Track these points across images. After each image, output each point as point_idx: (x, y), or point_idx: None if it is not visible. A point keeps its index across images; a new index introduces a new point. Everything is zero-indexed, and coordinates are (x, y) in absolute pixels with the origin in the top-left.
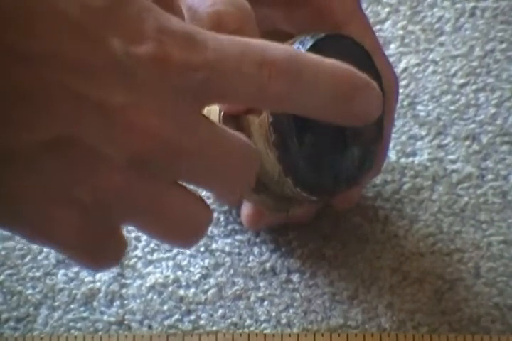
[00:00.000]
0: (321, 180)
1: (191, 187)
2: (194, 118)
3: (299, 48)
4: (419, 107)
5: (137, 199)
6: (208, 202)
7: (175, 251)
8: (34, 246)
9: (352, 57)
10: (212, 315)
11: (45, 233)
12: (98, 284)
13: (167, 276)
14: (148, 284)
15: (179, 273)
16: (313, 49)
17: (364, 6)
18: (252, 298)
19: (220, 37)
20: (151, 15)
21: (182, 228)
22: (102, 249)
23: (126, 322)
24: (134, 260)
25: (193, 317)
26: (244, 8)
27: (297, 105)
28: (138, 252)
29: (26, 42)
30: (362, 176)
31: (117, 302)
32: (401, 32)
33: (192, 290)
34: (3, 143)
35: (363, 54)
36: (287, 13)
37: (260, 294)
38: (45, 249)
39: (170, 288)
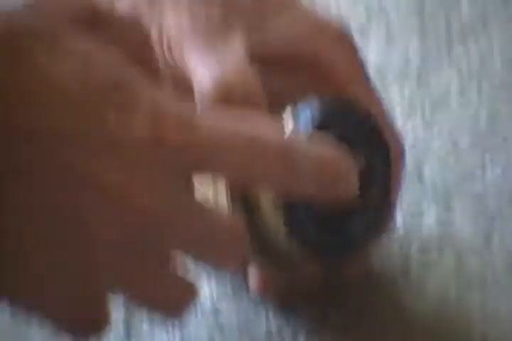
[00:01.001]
0: (327, 244)
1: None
2: (184, 193)
3: (299, 119)
4: (425, 169)
5: (124, 274)
6: None
7: None
8: None
9: (356, 126)
10: None
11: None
12: None
13: (173, 337)
14: None
15: (186, 333)
16: (313, 122)
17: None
18: None
19: (215, 117)
20: (149, 96)
21: (164, 304)
22: (87, 318)
23: None
24: (140, 322)
25: None
26: (251, 79)
27: (283, 187)
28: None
29: (25, 119)
30: (369, 241)
31: None
32: (407, 95)
33: None
34: None
35: (368, 121)
36: (294, 78)
37: None
38: None
39: None
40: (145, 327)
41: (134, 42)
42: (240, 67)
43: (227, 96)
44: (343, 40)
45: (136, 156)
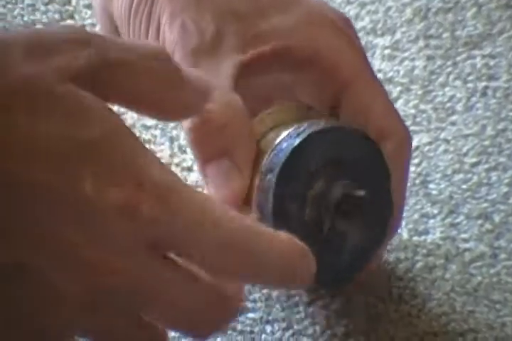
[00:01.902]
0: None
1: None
2: (155, 261)
3: (289, 139)
4: (431, 186)
5: (89, 330)
6: None
7: None
8: None
9: (351, 148)
10: None
11: None
12: None
13: None
14: None
15: None
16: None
17: None
18: None
19: (192, 193)
20: (135, 161)
21: None
22: None
23: None
24: None
25: None
26: (233, 103)
27: (243, 277)
28: None
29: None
30: (364, 263)
31: None
32: (413, 111)
33: None
34: None
35: (364, 143)
36: (296, 76)
37: None
38: None
39: None
40: None
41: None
42: (223, 95)
43: (208, 121)
44: (342, 30)
45: (105, 219)
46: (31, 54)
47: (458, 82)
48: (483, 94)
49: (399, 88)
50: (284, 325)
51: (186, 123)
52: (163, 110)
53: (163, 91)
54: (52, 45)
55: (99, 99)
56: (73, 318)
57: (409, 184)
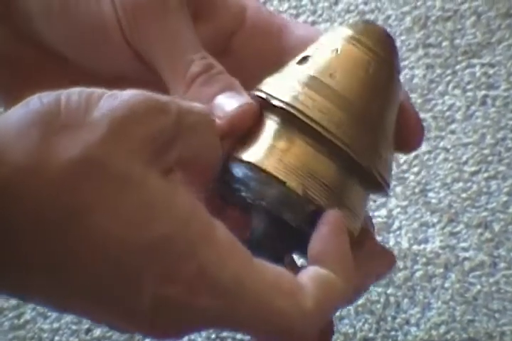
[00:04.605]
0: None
1: None
2: None
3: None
4: (430, 194)
5: None
6: None
7: (185, 338)
8: (44, 335)
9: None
10: None
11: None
12: None
13: None
14: None
15: None
16: None
17: None
18: None
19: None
20: (194, 258)
21: None
22: None
23: None
24: None
25: None
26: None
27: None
28: (148, 340)
29: (66, 279)
30: None
31: None
32: None
33: None
34: None
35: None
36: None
37: None
38: (56, 337)
39: None
40: None
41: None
42: None
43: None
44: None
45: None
46: None
47: (457, 91)
48: (483, 102)
49: None
50: None
51: None
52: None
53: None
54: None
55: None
56: None
57: (408, 192)
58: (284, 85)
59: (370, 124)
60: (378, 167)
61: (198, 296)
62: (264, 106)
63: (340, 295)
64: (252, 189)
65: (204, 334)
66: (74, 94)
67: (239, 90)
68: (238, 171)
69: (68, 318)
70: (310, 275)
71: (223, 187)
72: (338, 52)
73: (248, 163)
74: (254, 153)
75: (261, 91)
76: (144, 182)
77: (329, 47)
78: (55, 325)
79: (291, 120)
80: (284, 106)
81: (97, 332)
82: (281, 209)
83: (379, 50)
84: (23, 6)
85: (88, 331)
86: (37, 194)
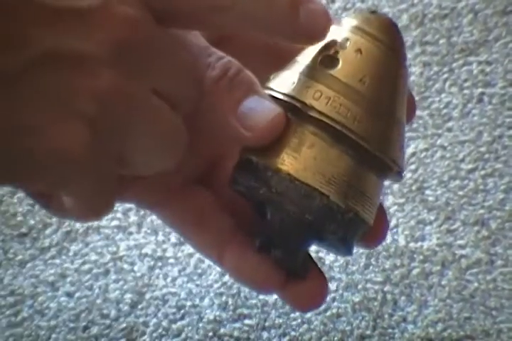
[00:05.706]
0: None
1: None
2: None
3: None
4: (427, 192)
5: (130, 102)
6: (216, 285)
7: (183, 335)
8: (42, 332)
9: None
10: None
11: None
12: None
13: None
14: None
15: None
16: None
17: None
18: None
19: None
20: None
21: (168, 140)
22: (99, 190)
23: None
24: None
25: None
26: None
27: (241, 20)
28: (146, 337)
29: None
30: None
31: None
32: None
33: None
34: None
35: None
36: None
37: None
38: (53, 335)
39: None
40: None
41: None
42: None
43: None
44: None
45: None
46: None
47: (454, 89)
48: (480, 100)
49: None
50: (280, 331)
51: None
52: None
53: None
54: None
55: None
56: (112, 86)
57: (405, 190)
58: (308, 89)
59: (385, 117)
60: (394, 157)
61: None
62: (288, 108)
63: None
64: (291, 200)
65: (202, 331)
66: None
67: (261, 93)
68: (277, 181)
69: (66, 316)
70: None
71: (242, 185)
72: (347, 43)
73: (288, 174)
74: (291, 164)
75: (288, 96)
76: None
77: (337, 39)
78: (53, 323)
79: (326, 129)
80: (326, 121)
81: (95, 329)
82: (324, 221)
83: (385, 39)
84: None
85: (85, 328)
86: None
